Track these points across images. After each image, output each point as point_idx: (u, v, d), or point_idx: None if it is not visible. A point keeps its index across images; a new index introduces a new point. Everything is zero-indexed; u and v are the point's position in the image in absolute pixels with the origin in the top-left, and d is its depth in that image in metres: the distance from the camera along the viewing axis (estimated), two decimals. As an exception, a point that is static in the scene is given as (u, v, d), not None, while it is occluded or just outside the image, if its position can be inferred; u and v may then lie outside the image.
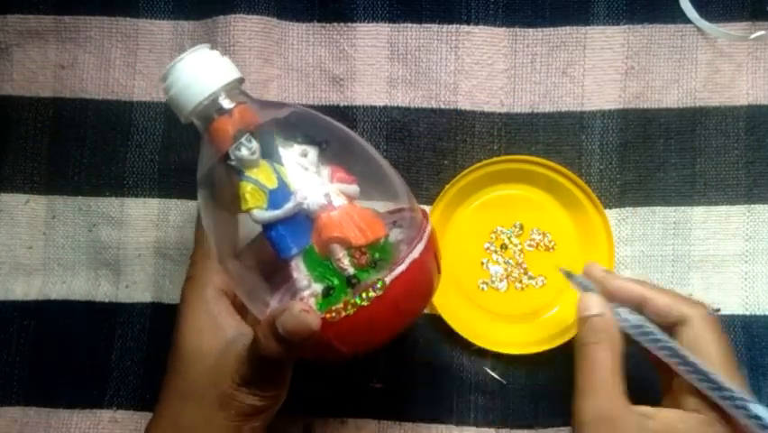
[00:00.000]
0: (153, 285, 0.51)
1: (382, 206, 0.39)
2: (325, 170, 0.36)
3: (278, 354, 0.33)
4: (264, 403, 0.35)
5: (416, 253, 0.34)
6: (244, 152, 0.34)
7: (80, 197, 0.51)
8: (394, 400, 0.49)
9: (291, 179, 0.35)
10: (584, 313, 0.38)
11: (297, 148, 0.35)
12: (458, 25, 0.50)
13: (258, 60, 0.50)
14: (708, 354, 0.36)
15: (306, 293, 0.35)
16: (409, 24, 0.51)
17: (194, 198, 0.51)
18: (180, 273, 0.50)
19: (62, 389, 0.50)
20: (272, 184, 0.34)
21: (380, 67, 0.51)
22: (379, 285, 0.33)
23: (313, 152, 0.35)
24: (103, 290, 0.51)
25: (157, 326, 0.50)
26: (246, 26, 0.49)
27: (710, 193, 0.50)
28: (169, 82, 0.35)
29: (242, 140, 0.34)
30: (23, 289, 0.51)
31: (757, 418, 0.33)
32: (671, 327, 0.38)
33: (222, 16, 0.50)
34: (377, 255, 0.35)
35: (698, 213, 0.50)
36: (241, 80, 0.37)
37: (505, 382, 0.49)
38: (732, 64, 0.50)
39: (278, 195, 0.34)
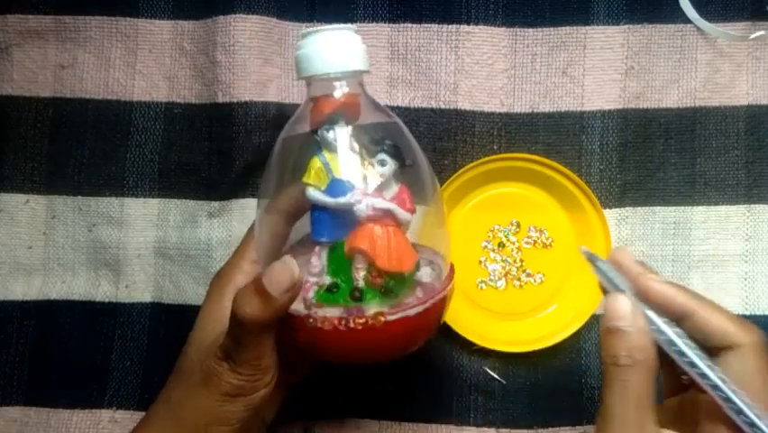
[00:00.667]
0: (153, 285, 0.51)
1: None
2: (394, 187, 0.36)
3: (257, 315, 0.33)
4: (242, 383, 0.35)
5: (427, 306, 0.35)
6: (330, 135, 0.35)
7: (80, 196, 0.51)
8: (394, 400, 0.49)
9: (355, 180, 0.35)
10: (614, 323, 0.31)
11: (380, 155, 0.36)
12: (458, 25, 0.50)
13: (258, 60, 0.50)
14: (755, 388, 0.31)
15: (313, 279, 0.36)
16: (409, 24, 0.51)
17: (193, 197, 0.51)
18: (180, 273, 0.50)
19: (62, 389, 0.50)
20: (339, 174, 0.35)
21: (380, 67, 0.51)
22: (377, 318, 0.33)
23: (391, 165, 0.36)
24: (103, 290, 0.51)
25: (157, 326, 0.50)
26: (246, 26, 0.49)
27: (710, 193, 0.50)
28: (306, 42, 0.36)
29: (333, 126, 0.35)
30: (23, 289, 0.51)
31: None
32: (714, 348, 0.32)
33: (222, 16, 0.49)
34: (391, 284, 0.35)
35: (698, 213, 0.50)
36: (365, 72, 0.38)
37: (505, 382, 0.49)
38: (732, 64, 0.50)
39: (339, 186, 0.35)
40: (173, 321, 0.50)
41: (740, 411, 0.30)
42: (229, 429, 0.36)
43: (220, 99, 0.50)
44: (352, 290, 0.35)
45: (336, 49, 0.36)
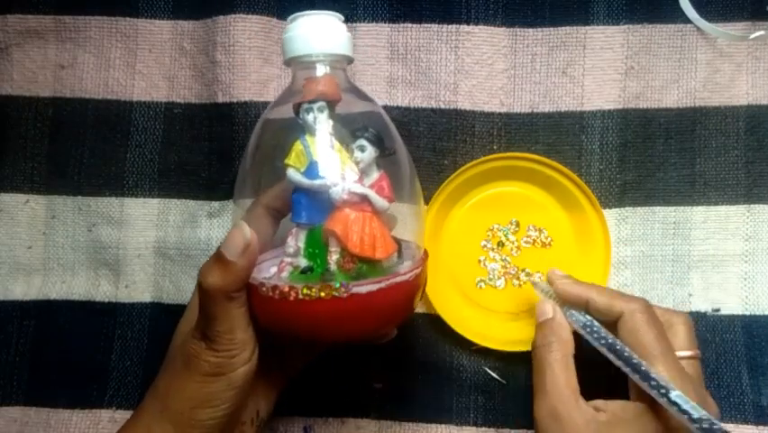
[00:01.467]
0: (153, 285, 0.51)
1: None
2: (375, 174, 0.37)
3: (218, 282, 0.34)
4: (219, 360, 0.35)
5: (382, 285, 0.34)
6: (309, 117, 0.36)
7: (80, 196, 0.51)
8: (394, 400, 0.49)
9: (333, 163, 0.35)
10: (539, 319, 0.42)
11: (359, 141, 0.36)
12: (458, 25, 0.50)
13: (258, 60, 0.50)
14: (644, 344, 0.38)
15: (288, 260, 0.36)
16: (409, 24, 0.51)
17: (193, 197, 0.51)
18: (180, 273, 0.50)
19: (62, 389, 0.50)
20: (317, 156, 0.36)
21: (380, 67, 0.51)
22: (342, 289, 0.33)
23: (371, 152, 0.36)
24: (102, 290, 0.51)
25: (156, 326, 0.50)
26: (246, 26, 0.49)
27: (710, 193, 0.50)
28: (291, 26, 0.37)
29: (314, 107, 0.36)
30: (23, 289, 0.51)
31: (675, 403, 0.34)
32: (613, 323, 0.40)
33: (222, 16, 0.49)
34: (364, 269, 0.35)
35: (697, 213, 0.50)
36: (349, 60, 0.38)
37: (505, 381, 0.49)
38: (732, 64, 0.50)
39: (317, 168, 0.35)
40: (173, 321, 0.49)
41: (628, 363, 0.37)
42: (214, 411, 0.36)
43: (220, 99, 0.50)
44: (323, 272, 0.35)
45: (320, 32, 0.36)
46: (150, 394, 0.38)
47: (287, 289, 0.33)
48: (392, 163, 0.38)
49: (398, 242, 0.38)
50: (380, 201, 0.36)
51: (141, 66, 0.51)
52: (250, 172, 0.40)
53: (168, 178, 0.51)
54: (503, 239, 0.50)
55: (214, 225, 0.50)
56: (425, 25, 0.50)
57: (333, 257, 0.35)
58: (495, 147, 0.50)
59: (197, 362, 0.35)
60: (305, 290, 0.33)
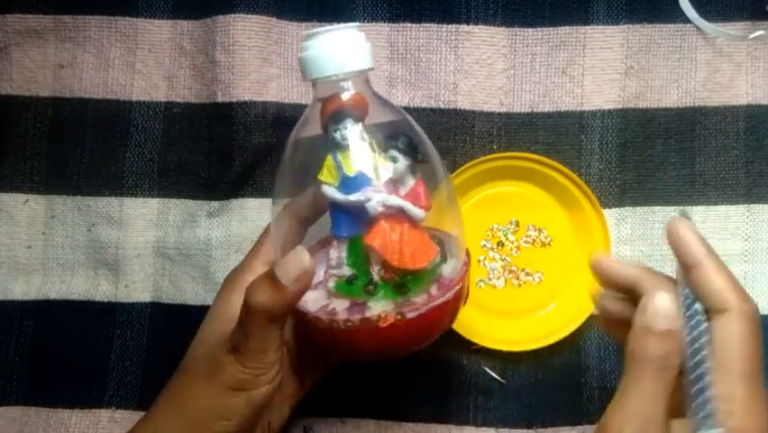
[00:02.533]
0: (152, 285, 0.51)
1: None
2: (410, 183, 0.37)
3: (266, 304, 0.33)
4: (245, 376, 0.35)
5: (429, 307, 0.35)
6: (338, 135, 0.36)
7: (79, 196, 0.51)
8: (394, 400, 0.49)
9: (366, 177, 0.35)
10: (656, 325, 0.31)
11: (390, 152, 0.36)
12: (457, 25, 0.50)
13: (257, 60, 0.50)
14: (734, 354, 0.30)
15: (332, 271, 0.37)
16: (409, 24, 0.51)
17: (193, 197, 0.51)
18: (179, 273, 0.50)
19: (61, 389, 0.50)
20: (351, 171, 0.35)
21: (380, 66, 0.51)
22: (388, 318, 0.34)
23: (402, 161, 0.36)
24: (102, 290, 0.51)
25: (156, 325, 0.50)
26: (246, 26, 0.49)
27: (710, 193, 0.50)
28: (310, 43, 0.36)
29: (341, 125, 0.36)
30: (23, 288, 0.51)
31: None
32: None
33: (221, 16, 0.49)
34: (405, 280, 0.36)
35: (697, 213, 0.50)
36: (370, 69, 0.38)
37: (505, 381, 0.49)
38: (731, 64, 0.50)
39: (352, 183, 0.35)
40: (172, 321, 0.50)
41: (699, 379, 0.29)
42: (228, 424, 0.36)
43: (219, 99, 0.50)
44: (366, 283, 0.35)
45: (341, 49, 0.36)
46: (165, 397, 0.38)
47: (341, 322, 0.34)
48: (426, 167, 0.38)
49: (441, 242, 0.38)
50: (416, 211, 0.36)
51: (141, 65, 0.51)
52: (288, 188, 0.40)
53: (167, 177, 0.51)
54: (503, 239, 0.50)
55: (213, 225, 0.50)
56: (425, 25, 0.50)
57: (376, 268, 0.36)
58: (494, 147, 0.50)
59: (222, 373, 0.35)
60: (353, 322, 0.34)
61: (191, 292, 0.50)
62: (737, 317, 0.30)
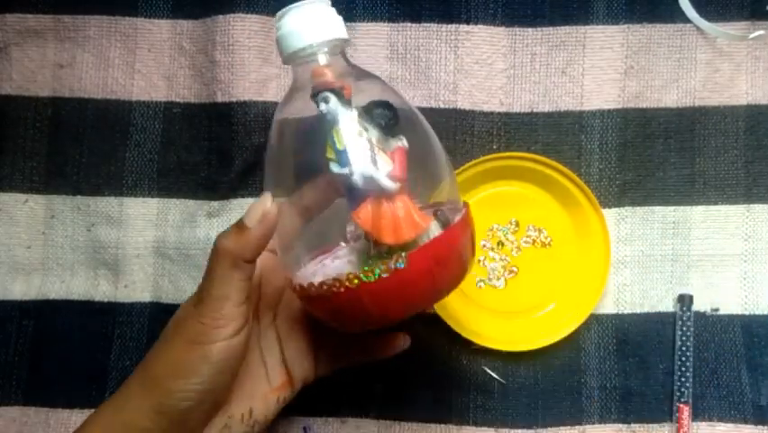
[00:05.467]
0: (152, 285, 0.51)
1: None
2: (387, 153, 0.36)
3: (230, 245, 0.35)
4: (201, 327, 0.35)
5: (437, 234, 0.36)
6: (323, 107, 0.36)
7: (79, 196, 0.51)
8: (394, 400, 0.49)
9: (351, 150, 0.35)
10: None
11: (361, 123, 0.36)
12: (457, 25, 0.50)
13: (257, 60, 0.50)
14: None
15: (354, 244, 0.38)
16: (409, 24, 0.51)
17: (192, 197, 0.51)
18: (179, 273, 0.50)
19: (61, 388, 0.50)
20: (341, 146, 0.35)
21: (380, 66, 0.51)
22: (401, 261, 0.34)
23: (372, 130, 0.36)
24: (102, 290, 0.51)
25: (156, 325, 0.50)
26: (245, 25, 0.49)
27: (709, 193, 0.50)
28: (281, 23, 0.37)
29: (322, 100, 0.35)
30: (22, 288, 0.51)
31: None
32: None
33: (221, 15, 0.49)
34: (396, 251, 0.35)
35: (697, 212, 0.50)
36: (346, 41, 0.37)
37: (505, 381, 0.49)
38: (731, 64, 0.50)
39: (343, 156, 0.35)
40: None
41: None
42: (185, 383, 0.35)
43: (219, 99, 0.50)
44: (366, 255, 0.37)
45: (311, 21, 0.36)
46: (138, 365, 0.38)
47: (344, 278, 0.35)
48: (409, 130, 0.37)
49: (437, 211, 0.38)
50: (386, 182, 0.35)
51: (141, 65, 0.51)
52: (277, 171, 0.40)
53: (167, 177, 0.51)
54: (503, 239, 0.50)
55: (213, 225, 0.50)
56: (425, 25, 0.50)
57: (371, 240, 0.36)
58: (494, 147, 0.50)
59: (184, 326, 0.36)
60: (333, 287, 0.34)
61: (191, 292, 0.49)
62: None
